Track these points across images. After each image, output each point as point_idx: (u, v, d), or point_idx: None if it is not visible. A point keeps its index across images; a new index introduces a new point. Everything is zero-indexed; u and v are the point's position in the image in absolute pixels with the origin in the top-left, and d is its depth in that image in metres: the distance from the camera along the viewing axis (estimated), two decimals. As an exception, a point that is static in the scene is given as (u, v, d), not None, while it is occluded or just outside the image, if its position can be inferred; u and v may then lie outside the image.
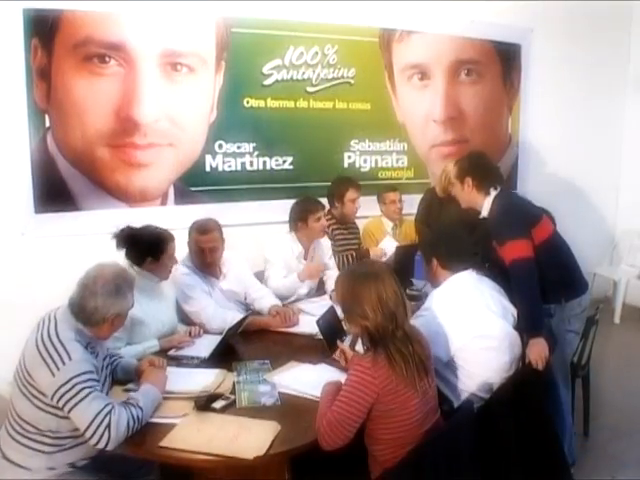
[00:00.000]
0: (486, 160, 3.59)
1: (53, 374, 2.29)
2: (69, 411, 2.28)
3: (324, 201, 4.63)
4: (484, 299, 2.96)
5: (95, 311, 2.41)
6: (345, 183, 4.89)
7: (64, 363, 2.30)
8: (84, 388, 2.28)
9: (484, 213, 3.41)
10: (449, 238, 3.11)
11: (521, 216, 3.29)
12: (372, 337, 2.32)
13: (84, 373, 2.31)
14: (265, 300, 3.80)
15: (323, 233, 4.36)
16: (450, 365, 2.92)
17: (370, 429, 2.34)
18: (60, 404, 2.29)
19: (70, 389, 2.27)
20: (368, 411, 2.27)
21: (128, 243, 3.18)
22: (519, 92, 6.33)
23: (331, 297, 4.03)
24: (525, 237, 3.21)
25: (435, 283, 3.10)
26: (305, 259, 4.30)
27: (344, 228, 4.94)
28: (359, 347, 2.44)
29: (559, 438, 3.13)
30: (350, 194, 4.82)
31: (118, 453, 2.55)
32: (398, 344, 2.28)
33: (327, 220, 4.73)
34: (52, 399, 2.30)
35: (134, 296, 3.05)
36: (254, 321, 3.52)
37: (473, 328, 2.88)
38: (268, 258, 4.18)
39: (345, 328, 3.31)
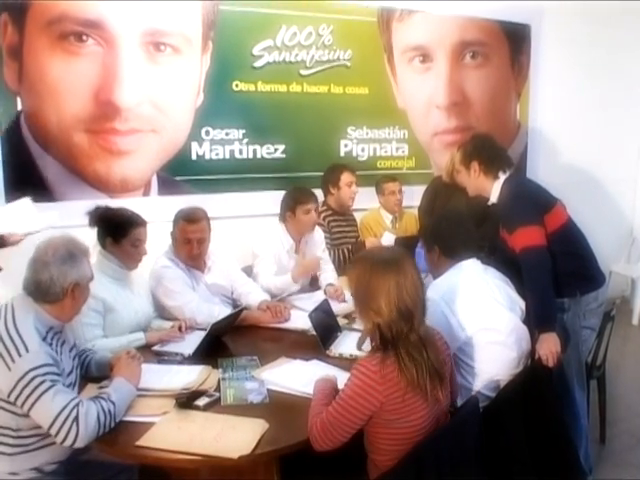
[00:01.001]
0: (492, 142, 3.55)
1: (9, 367, 2.23)
2: (30, 408, 2.22)
3: (318, 192, 4.60)
4: (489, 289, 2.93)
5: (51, 282, 2.36)
6: (339, 167, 4.90)
7: (20, 355, 2.24)
8: (44, 381, 2.22)
9: (493, 199, 3.38)
10: (453, 224, 3.06)
11: (533, 201, 3.24)
12: (383, 337, 2.21)
13: (43, 366, 2.25)
14: (253, 295, 3.76)
15: (312, 228, 4.29)
16: (453, 361, 2.87)
17: (370, 436, 2.27)
18: (19, 402, 2.22)
19: (28, 383, 2.21)
20: (368, 419, 2.19)
21: (95, 221, 3.22)
22: (528, 76, 6.31)
23: (326, 292, 4.00)
24: (537, 224, 3.17)
25: (436, 273, 3.06)
26: (297, 253, 4.26)
27: (341, 220, 4.91)
28: (366, 346, 2.35)
29: (574, 443, 3.09)
30: (345, 177, 4.81)
31: (93, 458, 2.54)
32: (410, 348, 2.17)
33: (323, 211, 4.74)
34: (9, 396, 2.24)
35: (104, 284, 3.03)
36: (244, 316, 3.49)
37: (478, 320, 2.84)
38: (256, 252, 4.14)
39: (344, 323, 3.30)
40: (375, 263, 2.23)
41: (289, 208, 4.15)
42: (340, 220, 4.90)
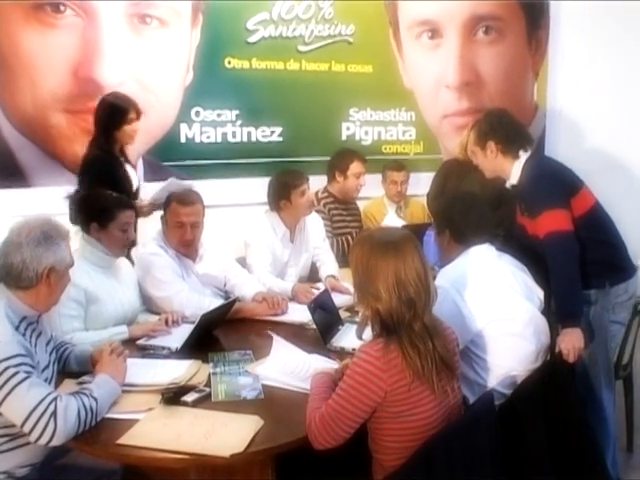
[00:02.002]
0: (509, 118, 3.49)
1: None
2: (0, 403, 2.18)
3: (317, 179, 4.62)
4: (505, 276, 2.90)
5: (24, 266, 2.33)
6: (350, 154, 4.87)
7: None
8: (18, 372, 2.19)
9: (513, 180, 3.34)
10: (466, 206, 3.03)
11: (559, 182, 3.20)
12: (384, 323, 2.19)
13: (15, 356, 2.22)
14: (248, 286, 3.73)
15: (311, 208, 4.27)
16: (465, 354, 2.84)
17: (375, 434, 2.25)
18: None
19: (0, 374, 2.18)
20: (372, 411, 2.16)
21: (77, 204, 3.18)
22: (547, 54, 6.28)
23: (326, 284, 3.98)
24: (564, 207, 3.13)
25: (446, 259, 3.03)
26: (292, 242, 4.24)
27: (343, 208, 4.90)
28: (368, 336, 2.32)
29: (599, 446, 3.05)
30: (355, 167, 4.79)
31: (71, 462, 2.51)
32: (413, 337, 2.15)
33: (323, 197, 4.74)
34: None
35: (87, 272, 3.00)
36: (237, 308, 3.46)
37: (492, 309, 2.81)
38: (249, 242, 4.11)
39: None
40: (374, 244, 2.23)
41: (283, 196, 4.11)
42: (341, 208, 4.89)
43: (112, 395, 2.42)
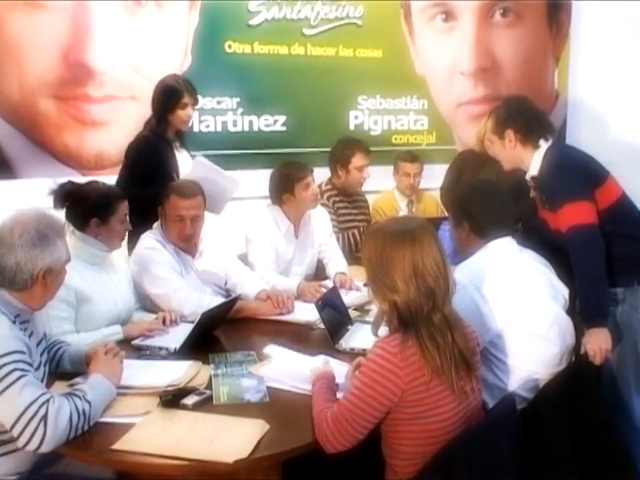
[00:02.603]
0: (529, 105, 3.48)
1: None
2: None
3: (322, 171, 4.63)
4: (528, 273, 2.89)
5: (18, 269, 2.32)
6: (352, 146, 4.82)
7: None
8: (13, 370, 2.18)
9: (533, 171, 3.33)
10: (487, 197, 3.01)
11: (582, 172, 3.18)
12: (402, 316, 2.20)
13: (13, 352, 2.21)
14: (250, 284, 3.73)
15: (315, 202, 4.25)
16: (484, 356, 2.82)
17: (389, 437, 2.24)
18: None
19: None
20: (388, 410, 2.16)
21: (69, 200, 3.14)
22: (569, 38, 6.24)
23: (334, 281, 3.98)
24: (588, 199, 3.12)
25: (464, 254, 3.02)
26: (296, 237, 4.25)
27: (348, 201, 4.89)
28: (383, 332, 2.32)
29: (630, 454, 3.03)
30: (357, 160, 4.76)
31: (61, 472, 2.50)
32: (432, 330, 2.16)
33: (327, 190, 4.74)
34: None
35: (78, 270, 2.99)
36: (239, 307, 3.46)
37: (514, 309, 2.80)
38: (250, 238, 4.11)
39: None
40: (388, 234, 2.24)
41: (286, 189, 4.10)
42: (347, 201, 4.88)
43: (106, 397, 2.41)
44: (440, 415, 2.16)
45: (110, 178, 4.41)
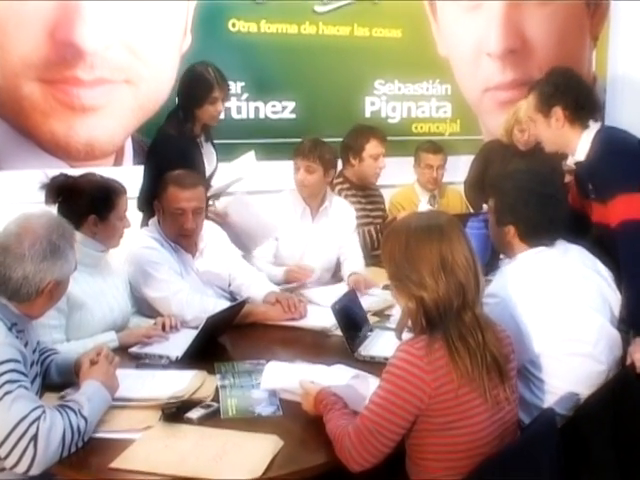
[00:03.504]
0: (578, 79, 3.41)
1: None
2: None
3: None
4: (574, 284, 2.81)
5: (25, 282, 2.32)
6: (365, 133, 4.82)
7: None
8: (6, 382, 2.17)
9: (579, 156, 3.29)
10: (542, 196, 2.87)
11: (639, 161, 3.16)
12: (429, 315, 2.19)
13: (7, 361, 2.21)
14: (257, 286, 3.73)
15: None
16: (522, 374, 2.80)
17: (414, 452, 2.23)
18: None
19: None
20: (414, 419, 2.15)
21: (63, 195, 3.12)
22: (607, 15, 6.24)
23: (348, 282, 4.02)
24: None
25: (507, 254, 2.97)
26: (313, 221, 4.33)
27: (362, 195, 4.88)
28: (408, 336, 2.31)
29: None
30: (372, 147, 4.75)
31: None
32: (463, 329, 2.16)
33: (338, 183, 4.75)
34: None
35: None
36: (246, 311, 3.45)
37: (558, 328, 2.72)
38: None
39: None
40: (413, 229, 2.25)
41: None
42: (360, 195, 4.87)
43: (103, 408, 2.40)
44: (471, 426, 2.15)
45: (103, 170, 4.48)
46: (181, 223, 3.50)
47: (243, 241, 3.83)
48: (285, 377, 2.69)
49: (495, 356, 2.19)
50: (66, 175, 3.19)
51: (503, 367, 2.22)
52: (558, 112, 3.27)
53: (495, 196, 2.99)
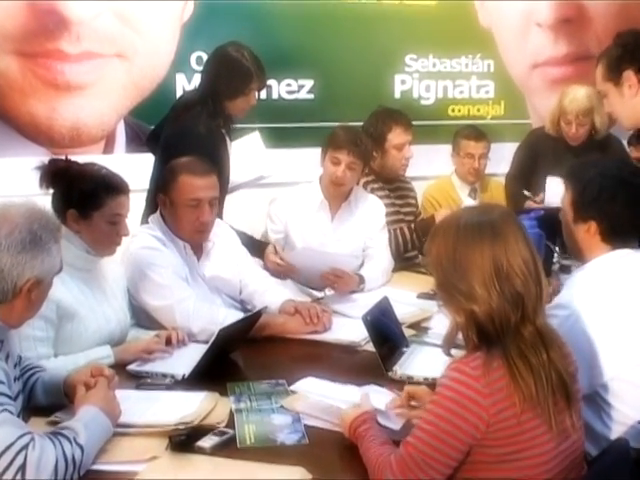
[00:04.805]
0: None
1: None
2: None
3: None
4: None
5: (0, 277, 2.32)
6: (387, 119, 4.80)
7: None
8: None
9: None
10: (629, 190, 2.81)
11: None
12: (483, 331, 2.18)
13: None
14: (272, 293, 3.74)
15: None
16: (592, 400, 2.79)
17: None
18: None
19: None
20: (467, 449, 2.13)
21: (52, 182, 3.12)
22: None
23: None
24: None
25: (582, 257, 2.95)
26: (333, 217, 4.36)
27: (390, 189, 4.88)
28: (457, 352, 2.31)
29: None
30: (394, 136, 4.74)
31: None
32: (523, 347, 2.13)
33: (364, 176, 4.72)
34: None
35: (61, 277, 2.96)
36: (263, 323, 3.43)
37: (637, 347, 2.74)
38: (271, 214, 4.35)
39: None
40: (462, 227, 2.22)
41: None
42: (388, 189, 4.87)
43: (102, 437, 2.40)
44: (533, 458, 2.13)
45: (91, 158, 4.49)
46: (197, 216, 3.50)
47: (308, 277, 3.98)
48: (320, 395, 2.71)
49: (561, 375, 2.17)
50: (65, 161, 3.19)
51: (570, 388, 2.20)
52: (630, 76, 3.20)
53: (574, 186, 2.91)
